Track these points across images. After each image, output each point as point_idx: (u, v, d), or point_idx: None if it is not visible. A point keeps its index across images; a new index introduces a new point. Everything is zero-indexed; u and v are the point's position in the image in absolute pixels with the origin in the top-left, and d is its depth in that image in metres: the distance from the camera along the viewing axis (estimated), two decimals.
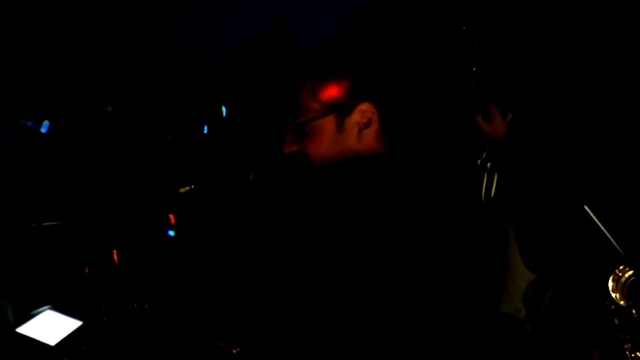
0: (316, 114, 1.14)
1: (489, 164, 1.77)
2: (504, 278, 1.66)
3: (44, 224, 2.03)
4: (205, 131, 2.35)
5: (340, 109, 1.13)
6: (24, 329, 1.73)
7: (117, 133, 2.41)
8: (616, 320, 1.22)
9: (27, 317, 1.75)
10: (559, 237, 1.48)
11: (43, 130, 2.08)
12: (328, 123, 1.14)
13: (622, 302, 1.21)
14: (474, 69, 1.80)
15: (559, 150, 1.56)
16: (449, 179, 1.15)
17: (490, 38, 1.91)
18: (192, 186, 2.38)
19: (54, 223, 2.05)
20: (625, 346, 1.21)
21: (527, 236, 1.54)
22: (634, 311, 1.20)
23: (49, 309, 1.77)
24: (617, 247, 1.14)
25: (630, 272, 1.18)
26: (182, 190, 2.40)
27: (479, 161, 1.75)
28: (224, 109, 2.43)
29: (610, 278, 1.20)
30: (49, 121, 2.08)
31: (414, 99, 1.19)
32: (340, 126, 1.14)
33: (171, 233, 2.09)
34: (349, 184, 1.09)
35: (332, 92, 1.15)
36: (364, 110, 1.14)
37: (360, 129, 1.14)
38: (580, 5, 1.66)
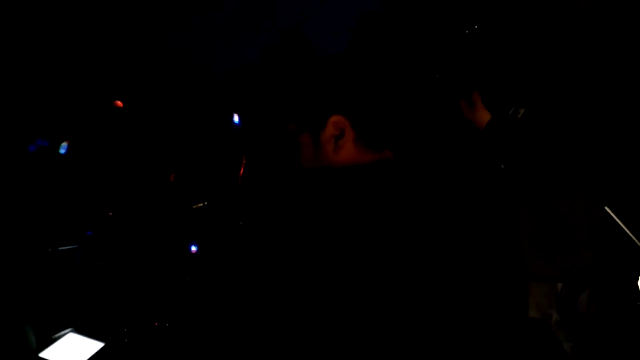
0: (293, 134, 1.20)
1: (503, 165, 1.77)
2: (529, 284, 1.66)
3: (60, 248, 2.07)
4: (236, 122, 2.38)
5: (313, 126, 1.19)
6: (47, 354, 1.76)
7: (129, 151, 2.45)
8: None
9: (49, 341, 1.79)
10: (562, 241, 1.48)
11: (62, 151, 2.12)
12: (305, 140, 1.20)
13: None
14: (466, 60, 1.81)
15: (574, 148, 1.56)
16: (450, 181, 1.18)
17: (498, 32, 1.92)
18: (206, 202, 2.42)
19: (70, 247, 2.09)
20: None
21: (526, 242, 1.54)
22: None
23: (71, 331, 1.81)
24: None
25: None
26: (195, 206, 2.43)
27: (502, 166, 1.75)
28: (236, 118, 2.46)
29: None
30: (68, 142, 2.12)
31: (389, 102, 1.22)
32: (316, 142, 1.20)
33: (193, 248, 2.12)
34: (328, 195, 1.13)
35: (303, 110, 1.21)
36: (335, 122, 1.18)
37: (335, 141, 1.18)
38: None
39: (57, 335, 1.80)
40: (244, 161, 2.36)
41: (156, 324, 1.89)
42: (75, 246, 2.10)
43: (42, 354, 1.76)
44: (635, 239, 1.16)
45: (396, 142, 1.19)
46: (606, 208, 1.17)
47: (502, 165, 1.70)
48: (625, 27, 1.62)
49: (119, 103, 2.28)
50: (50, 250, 2.05)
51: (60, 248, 2.07)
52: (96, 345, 1.79)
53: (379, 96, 1.21)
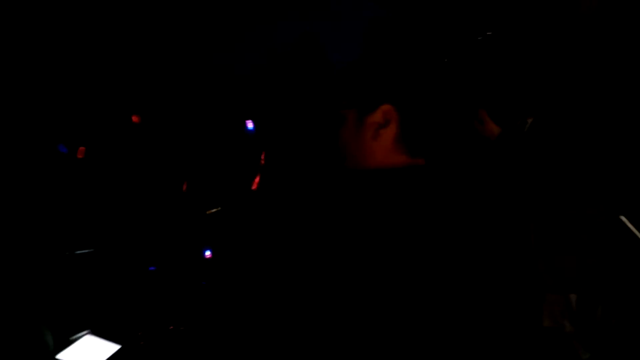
0: (342, 105, 1.22)
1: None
2: (543, 293, 1.67)
3: (77, 252, 2.10)
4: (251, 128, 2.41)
5: (363, 105, 1.21)
6: (65, 355, 1.79)
7: (144, 156, 2.48)
8: None
9: (67, 342, 1.82)
10: (574, 252, 1.48)
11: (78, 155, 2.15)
12: (351, 115, 1.22)
13: None
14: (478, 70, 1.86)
15: (586, 156, 1.56)
16: (473, 195, 1.19)
17: (507, 41, 1.95)
18: (220, 208, 2.44)
19: (86, 251, 2.12)
20: None
21: (539, 254, 1.54)
22: None
23: (88, 333, 1.84)
24: None
25: None
26: (209, 212, 2.46)
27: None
28: (250, 125, 2.49)
29: None
30: (84, 148, 2.15)
31: (440, 109, 1.23)
32: (360, 121, 1.21)
33: (207, 252, 2.15)
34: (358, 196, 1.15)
35: (359, 89, 1.22)
36: (385, 111, 1.20)
37: (377, 128, 1.20)
38: None
39: (74, 337, 1.83)
40: (260, 166, 2.38)
41: (171, 327, 1.91)
42: (92, 250, 2.13)
43: (59, 356, 1.79)
44: None
45: (433, 151, 1.21)
46: (621, 218, 1.18)
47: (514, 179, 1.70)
48: (628, 32, 1.62)
49: (136, 118, 2.32)
50: (67, 254, 2.08)
51: (77, 252, 2.10)
52: (112, 348, 1.82)
53: (438, 104, 1.23)
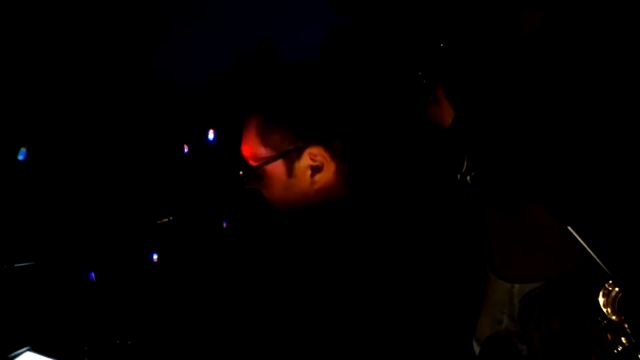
0: (263, 161, 1.15)
1: (468, 177, 1.71)
2: (484, 289, 1.66)
3: (15, 265, 2.04)
4: (185, 151, 2.39)
5: (288, 154, 1.14)
6: None
7: (91, 162, 2.43)
8: (609, 336, 1.26)
9: None
10: (528, 244, 1.47)
11: (20, 157, 2.09)
12: (277, 168, 1.15)
13: (614, 317, 1.25)
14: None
15: (534, 164, 1.54)
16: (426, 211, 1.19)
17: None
18: (171, 217, 2.41)
19: (26, 264, 2.05)
20: None
21: (493, 243, 1.52)
22: (626, 326, 1.24)
23: (28, 350, 1.78)
24: (604, 267, 1.18)
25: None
26: (160, 222, 2.42)
27: (458, 175, 1.70)
28: (211, 133, 2.46)
29: (600, 293, 1.24)
30: (27, 148, 2.09)
31: (375, 135, 1.19)
32: (290, 171, 1.15)
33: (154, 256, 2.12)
34: (302, 236, 1.12)
35: (276, 136, 1.14)
36: (313, 154, 1.14)
37: (312, 173, 1.15)
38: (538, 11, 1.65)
39: (13, 354, 1.76)
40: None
41: (118, 342, 1.87)
42: (32, 263, 2.06)
43: None
44: (599, 261, 1.19)
45: (381, 180, 1.16)
46: (569, 228, 1.20)
47: (459, 176, 1.65)
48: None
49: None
50: (5, 267, 2.02)
51: (16, 265, 2.03)
52: None
53: (375, 128, 1.18)
